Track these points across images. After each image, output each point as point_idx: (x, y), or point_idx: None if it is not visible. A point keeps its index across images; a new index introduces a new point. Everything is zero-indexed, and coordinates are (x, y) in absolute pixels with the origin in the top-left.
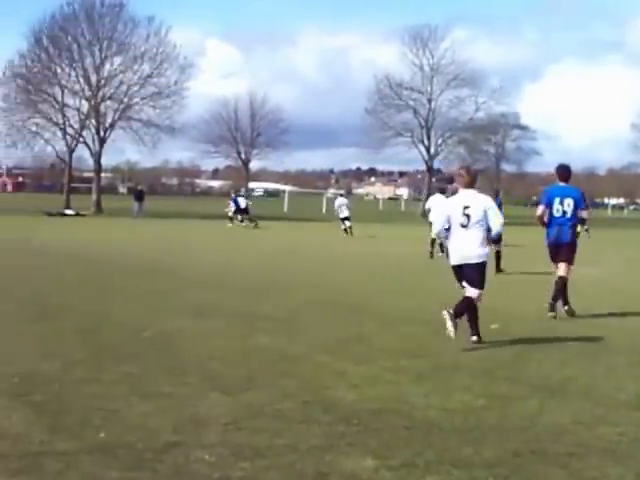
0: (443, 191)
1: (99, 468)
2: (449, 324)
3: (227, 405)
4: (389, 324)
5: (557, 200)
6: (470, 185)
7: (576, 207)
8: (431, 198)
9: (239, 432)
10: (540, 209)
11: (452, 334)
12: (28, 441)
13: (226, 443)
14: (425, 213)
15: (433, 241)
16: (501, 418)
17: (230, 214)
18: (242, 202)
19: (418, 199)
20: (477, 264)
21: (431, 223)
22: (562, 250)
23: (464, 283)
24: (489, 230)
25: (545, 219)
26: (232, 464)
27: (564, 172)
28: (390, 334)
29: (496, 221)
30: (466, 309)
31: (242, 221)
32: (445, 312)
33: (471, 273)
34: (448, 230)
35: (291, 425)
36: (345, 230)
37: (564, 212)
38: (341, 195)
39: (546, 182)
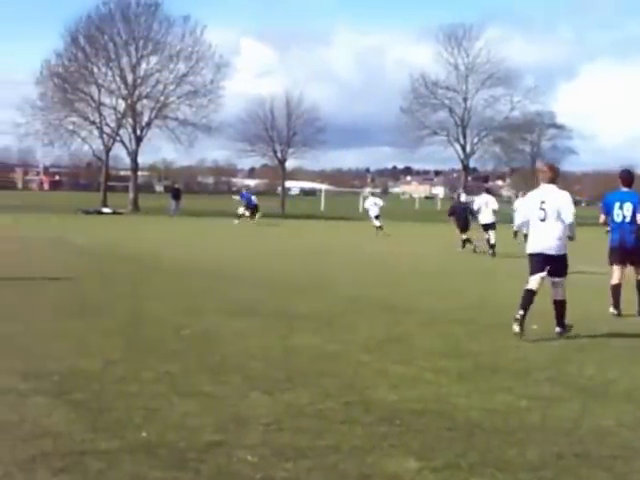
0: (489, 191)
1: (141, 467)
2: (566, 332)
3: (268, 405)
4: (428, 324)
5: (617, 205)
6: (552, 181)
7: (635, 211)
8: (476, 199)
9: (281, 432)
10: (601, 218)
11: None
12: (70, 440)
13: (268, 443)
14: (472, 213)
15: (466, 240)
16: (543, 420)
17: (241, 211)
18: (254, 198)
19: (453, 198)
20: (560, 256)
21: (483, 225)
22: (629, 255)
23: (542, 274)
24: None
25: (609, 227)
26: (274, 464)
27: (628, 177)
28: (429, 334)
29: (567, 213)
30: (564, 310)
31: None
32: (558, 332)
33: (555, 265)
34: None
35: (333, 425)
36: (380, 227)
37: (624, 217)
38: (372, 194)
39: (582, 181)
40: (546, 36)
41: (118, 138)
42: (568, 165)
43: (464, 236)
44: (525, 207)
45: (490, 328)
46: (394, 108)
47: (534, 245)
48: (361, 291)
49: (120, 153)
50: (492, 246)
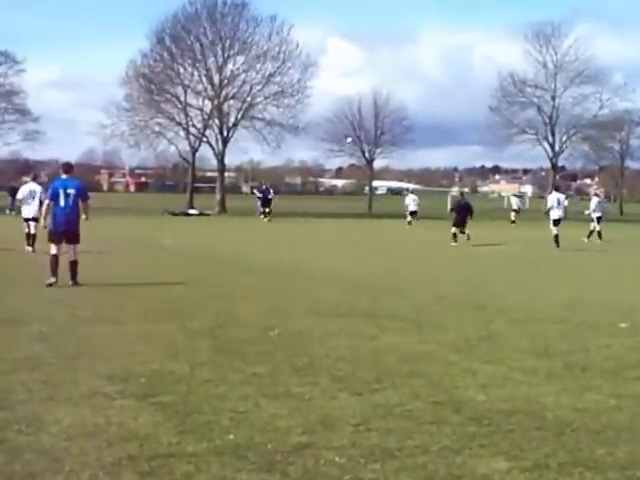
0: (558, 188)
1: (229, 470)
2: None
3: (357, 406)
4: (517, 323)
5: None
6: None
7: None
8: (549, 197)
9: (369, 433)
10: None
11: None
12: (156, 442)
13: (356, 444)
14: (472, 212)
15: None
16: (633, 419)
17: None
18: (270, 194)
19: (542, 197)
20: None
21: (553, 220)
22: None
23: None
24: None
25: None
26: (363, 466)
27: None
28: (518, 333)
29: None
30: None
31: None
32: None
33: None
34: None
35: (421, 426)
36: (410, 222)
37: None
38: (412, 192)
39: None
40: (634, 33)
41: (205, 139)
42: None
43: (454, 230)
44: None
45: (579, 327)
46: (482, 107)
47: None
48: (450, 289)
49: (207, 154)
50: (557, 240)
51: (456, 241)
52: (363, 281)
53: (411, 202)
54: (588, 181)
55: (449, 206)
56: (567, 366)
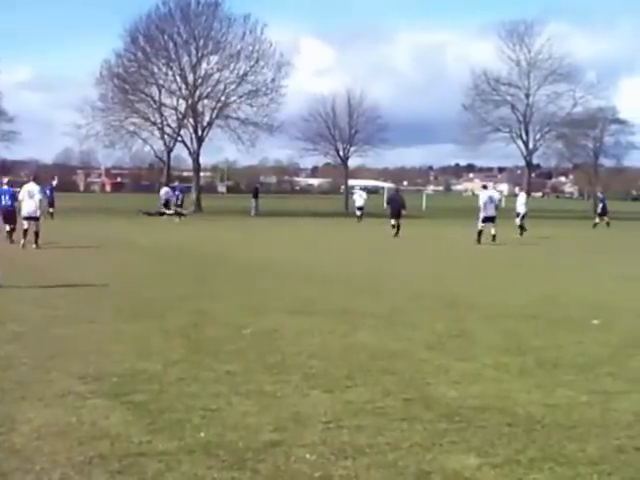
0: (485, 187)
1: (200, 468)
2: None
3: (328, 403)
4: (490, 320)
5: None
6: None
7: None
8: (480, 194)
9: (340, 430)
10: None
11: None
12: (128, 441)
13: (327, 442)
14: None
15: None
16: (604, 414)
17: (165, 206)
18: (179, 195)
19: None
20: None
21: (484, 217)
22: None
23: None
24: None
25: None
26: (333, 463)
27: None
28: (491, 330)
29: None
30: None
31: (178, 212)
32: None
33: None
34: None
35: (392, 423)
36: (360, 217)
37: None
38: (361, 189)
39: None
40: (607, 31)
41: (179, 139)
42: (631, 161)
43: (393, 222)
44: None
45: (551, 323)
46: (456, 105)
47: None
48: (422, 287)
49: (182, 154)
50: (494, 236)
51: (396, 228)
52: (337, 279)
53: (358, 197)
54: (563, 179)
55: (424, 204)
56: (539, 362)
